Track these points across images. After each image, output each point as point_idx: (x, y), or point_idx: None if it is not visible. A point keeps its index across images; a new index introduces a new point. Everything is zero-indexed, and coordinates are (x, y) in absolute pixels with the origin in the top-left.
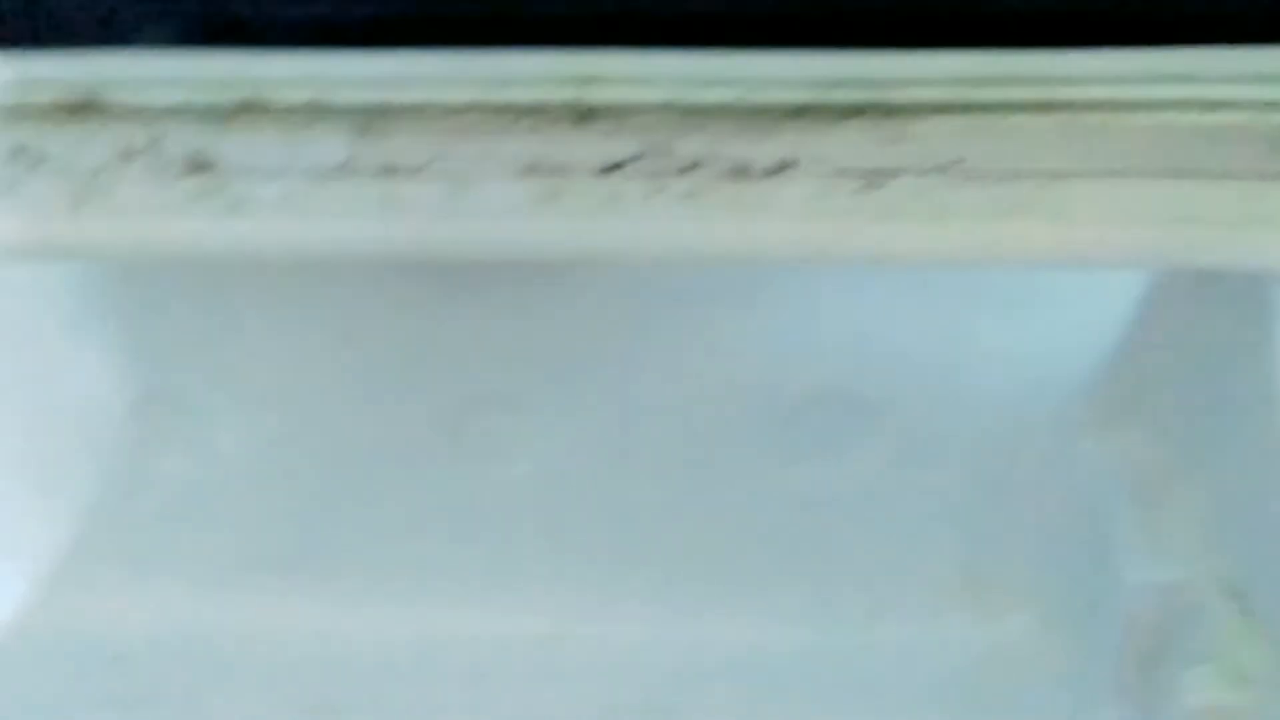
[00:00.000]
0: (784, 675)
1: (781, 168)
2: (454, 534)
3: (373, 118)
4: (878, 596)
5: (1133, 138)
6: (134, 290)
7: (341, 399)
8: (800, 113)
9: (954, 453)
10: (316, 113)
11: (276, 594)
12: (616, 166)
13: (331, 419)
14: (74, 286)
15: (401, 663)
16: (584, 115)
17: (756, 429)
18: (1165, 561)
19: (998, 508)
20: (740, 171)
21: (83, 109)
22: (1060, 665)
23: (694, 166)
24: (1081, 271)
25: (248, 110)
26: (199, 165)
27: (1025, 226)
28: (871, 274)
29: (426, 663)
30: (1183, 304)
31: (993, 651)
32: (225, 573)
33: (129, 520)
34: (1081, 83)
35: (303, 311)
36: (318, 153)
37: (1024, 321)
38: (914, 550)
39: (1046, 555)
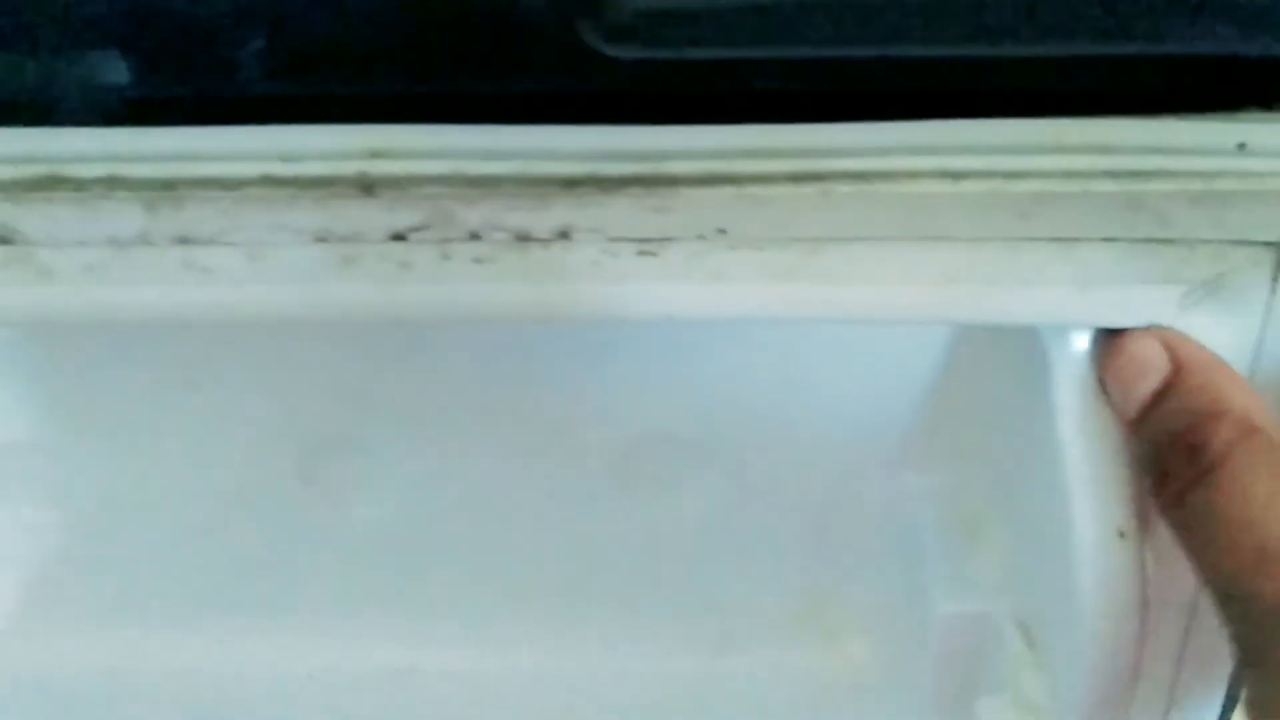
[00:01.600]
0: (634, 702)
1: (561, 234)
2: (310, 573)
3: (166, 191)
4: (725, 626)
5: (886, 206)
6: None
7: (189, 445)
8: (574, 184)
9: (787, 490)
10: (112, 186)
11: (134, 633)
12: (404, 235)
13: (180, 465)
14: None
15: (259, 697)
16: (369, 186)
17: (596, 470)
18: (971, 593)
19: (831, 542)
20: (523, 238)
21: None
22: (891, 692)
23: (478, 234)
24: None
25: (45, 185)
26: (2, 237)
27: (794, 288)
28: (696, 328)
29: (283, 697)
30: (980, 352)
31: (833, 678)
32: (76, 614)
33: None
34: (835, 155)
35: (149, 361)
36: (115, 224)
37: (848, 366)
38: (758, 582)
39: (877, 586)
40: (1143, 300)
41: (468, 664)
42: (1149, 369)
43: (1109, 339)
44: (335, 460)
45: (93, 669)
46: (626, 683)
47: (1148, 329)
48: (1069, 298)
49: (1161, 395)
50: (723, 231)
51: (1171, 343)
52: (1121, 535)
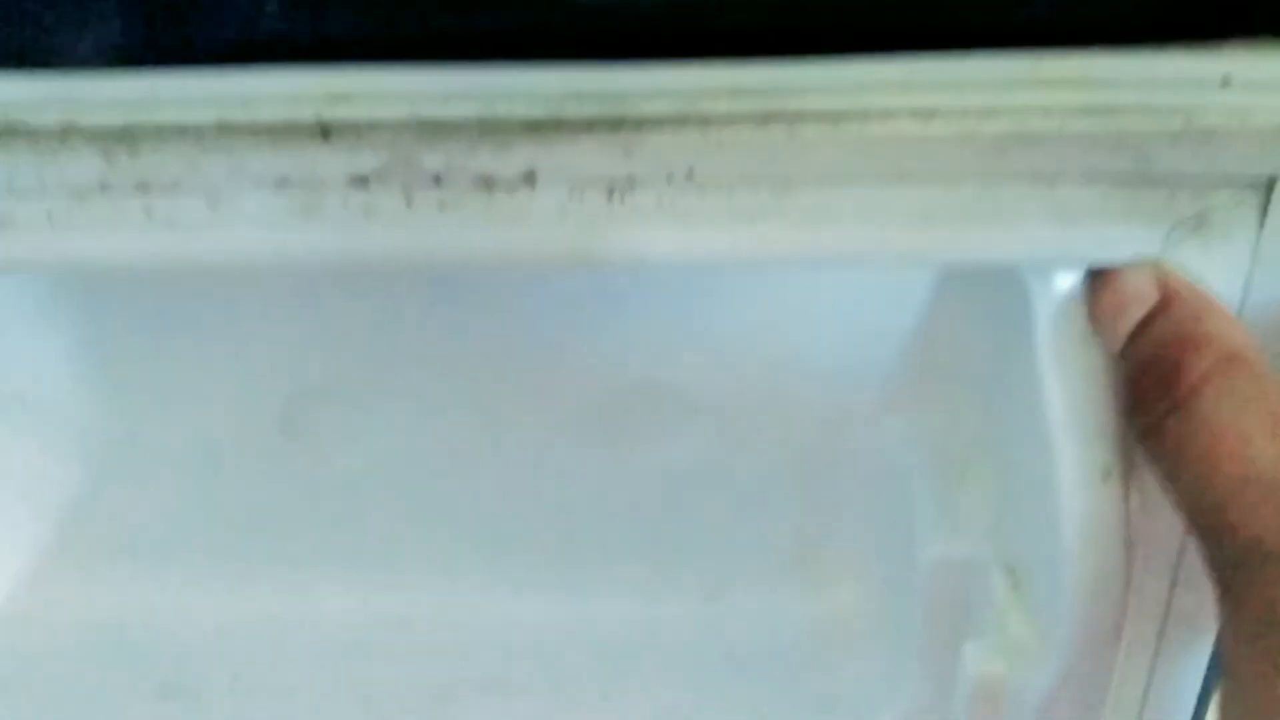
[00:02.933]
0: (625, 648)
1: (526, 179)
2: (295, 522)
3: (123, 138)
4: (714, 573)
5: (857, 146)
6: None
7: (169, 397)
8: (537, 126)
9: (771, 437)
10: (68, 134)
11: (122, 585)
12: (365, 180)
13: (162, 418)
14: None
15: (250, 644)
16: (327, 131)
17: (580, 419)
18: (956, 537)
19: (817, 488)
20: (487, 183)
21: None
22: (880, 636)
23: (441, 178)
24: (835, 269)
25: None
26: None
27: (765, 230)
28: (675, 274)
29: (275, 644)
30: (962, 295)
31: (821, 624)
32: (60, 567)
33: None
34: (803, 93)
35: (125, 312)
36: (73, 173)
37: (830, 313)
38: (744, 529)
39: (865, 532)
40: (1126, 238)
41: (456, 613)
42: (1137, 299)
43: (1100, 273)
44: (319, 412)
45: (80, 620)
46: (614, 630)
47: (1139, 264)
48: (1049, 236)
49: (1146, 324)
50: (691, 174)
51: (1162, 276)
52: (1105, 477)
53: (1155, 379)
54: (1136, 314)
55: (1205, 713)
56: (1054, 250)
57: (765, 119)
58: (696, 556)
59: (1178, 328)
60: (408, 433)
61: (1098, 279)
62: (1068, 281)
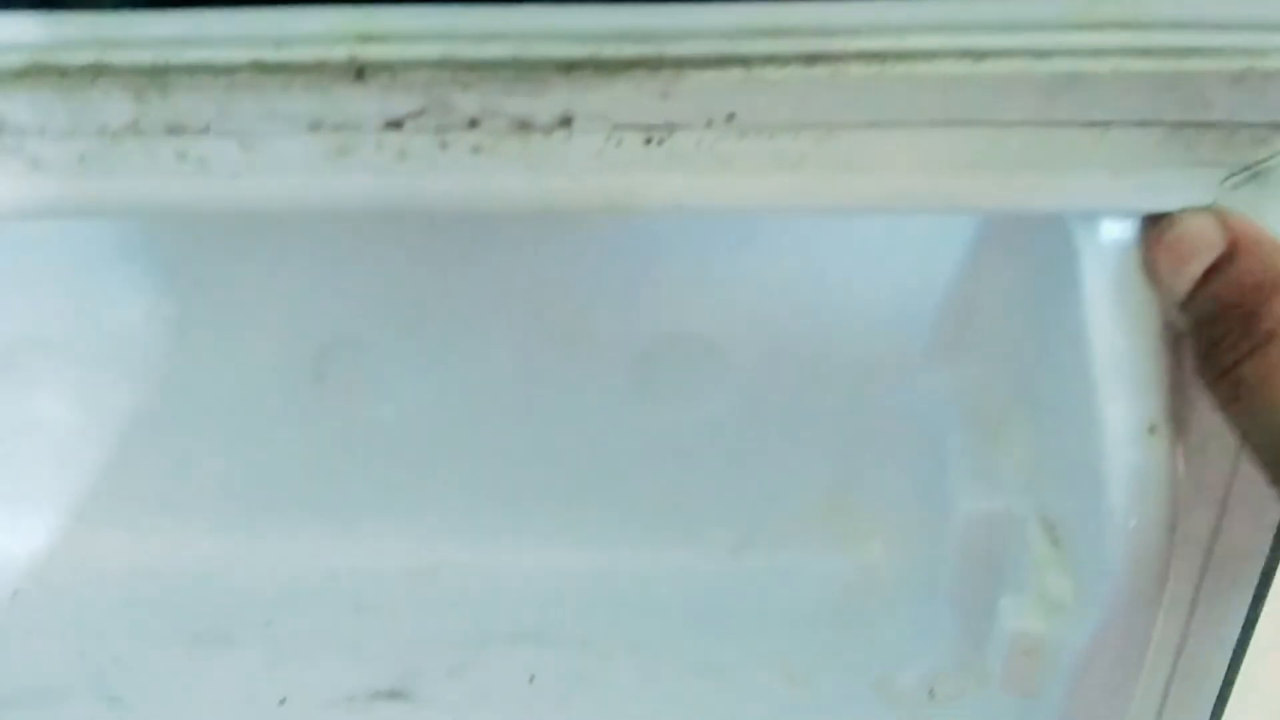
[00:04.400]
0: (656, 600)
1: (563, 122)
2: (330, 473)
3: (154, 78)
4: (745, 527)
5: (905, 89)
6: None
7: (203, 348)
8: (573, 67)
9: (807, 389)
10: (99, 73)
11: (156, 535)
12: (399, 123)
13: (195, 368)
14: None
15: (284, 592)
16: (360, 71)
17: (614, 369)
18: (993, 492)
19: (852, 442)
20: (524, 126)
21: None
22: (912, 591)
23: (477, 121)
24: (873, 218)
25: (30, 73)
26: None
27: (806, 177)
28: (706, 221)
29: (307, 592)
30: (1003, 245)
31: (853, 578)
32: (94, 518)
33: None
34: (849, 34)
35: (158, 261)
36: (104, 114)
37: (868, 263)
38: (778, 482)
39: (898, 486)
40: (1179, 185)
41: (487, 563)
42: (1202, 246)
43: (1158, 219)
44: (352, 363)
45: (116, 569)
46: (645, 582)
47: (1199, 210)
48: (1101, 183)
49: (1214, 270)
50: (732, 117)
51: (1226, 220)
52: (1152, 430)
53: (1229, 324)
54: (1204, 261)
55: (1239, 668)
56: (1105, 197)
57: (809, 60)
58: (729, 509)
59: (1252, 272)
60: (440, 384)
61: (1157, 227)
62: (1116, 229)
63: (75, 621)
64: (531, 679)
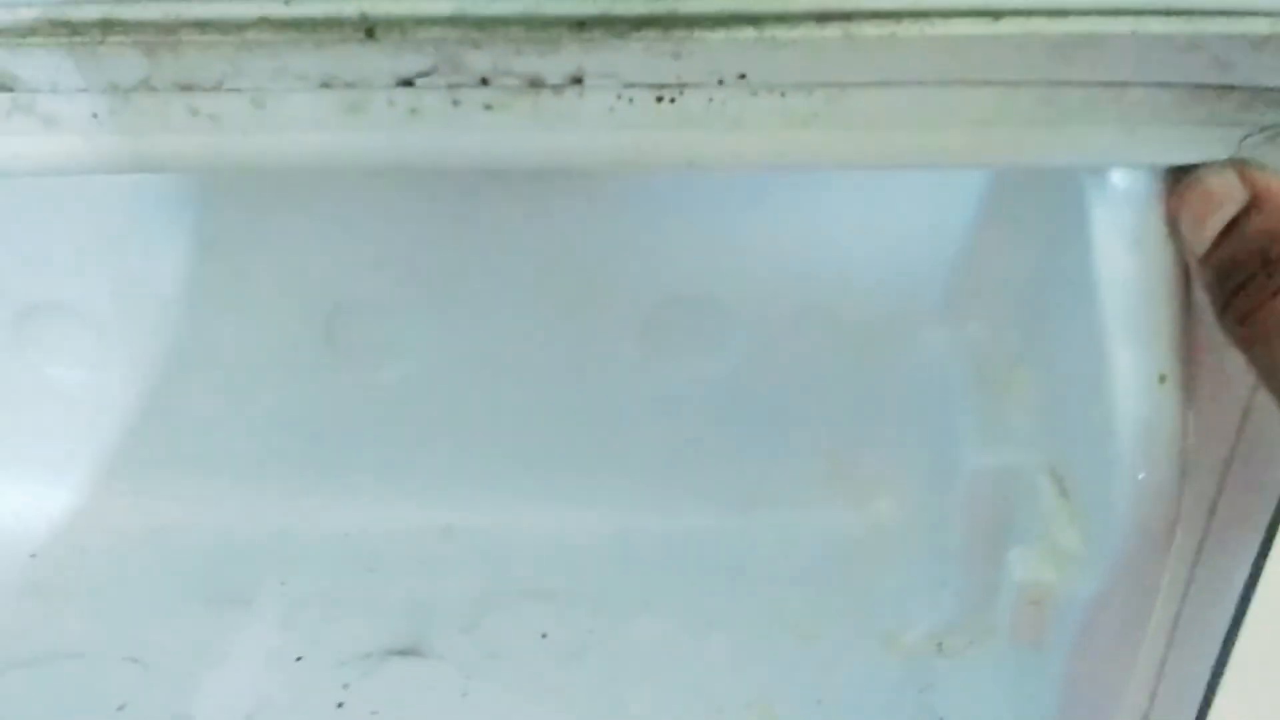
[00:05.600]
0: (661, 559)
1: (574, 80)
2: (342, 433)
3: (165, 34)
4: (751, 485)
5: (916, 47)
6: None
7: (217, 309)
8: (584, 25)
9: (815, 345)
10: (109, 29)
11: (170, 491)
12: (411, 80)
13: (210, 329)
14: None
15: (298, 552)
16: (371, 28)
17: (623, 329)
18: (1001, 446)
19: (860, 398)
20: (535, 84)
21: None
22: (919, 547)
23: (488, 79)
24: (881, 176)
25: (41, 29)
26: (1, 84)
27: (818, 135)
28: (715, 182)
29: (321, 552)
30: (1016, 199)
31: (859, 535)
32: (112, 472)
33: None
34: None
35: (171, 223)
36: (116, 70)
37: (876, 220)
38: (787, 438)
39: (905, 443)
40: (1194, 146)
41: (498, 522)
42: (1225, 200)
43: (1179, 173)
44: (363, 323)
45: (132, 528)
46: (655, 540)
47: (1223, 161)
48: (1117, 139)
49: (1236, 223)
50: (743, 76)
51: (1247, 174)
52: (1162, 379)
53: (1252, 271)
54: (1227, 214)
55: (1243, 619)
56: (1121, 153)
57: (821, 19)
58: (738, 466)
59: (1274, 223)
60: (451, 345)
61: (1179, 181)
62: (1127, 180)
63: (93, 583)
64: (544, 636)
